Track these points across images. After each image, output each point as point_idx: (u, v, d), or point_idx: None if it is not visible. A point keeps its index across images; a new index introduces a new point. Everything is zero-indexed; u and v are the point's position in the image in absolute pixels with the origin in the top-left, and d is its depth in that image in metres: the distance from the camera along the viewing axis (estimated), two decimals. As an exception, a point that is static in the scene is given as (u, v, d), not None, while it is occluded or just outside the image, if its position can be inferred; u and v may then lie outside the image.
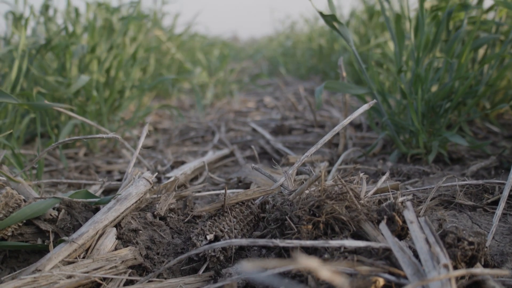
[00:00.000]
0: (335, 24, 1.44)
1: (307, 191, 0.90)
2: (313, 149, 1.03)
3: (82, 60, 1.90)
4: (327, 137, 1.04)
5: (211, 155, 1.64)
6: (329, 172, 1.41)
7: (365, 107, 1.08)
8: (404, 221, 0.81)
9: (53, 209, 1.02)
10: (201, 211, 0.95)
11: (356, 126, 2.08)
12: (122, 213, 0.95)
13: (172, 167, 1.59)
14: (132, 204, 0.98)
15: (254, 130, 2.13)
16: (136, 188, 1.01)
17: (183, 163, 1.61)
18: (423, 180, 1.30)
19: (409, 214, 0.76)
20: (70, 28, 2.04)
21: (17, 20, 1.87)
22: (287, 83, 4.43)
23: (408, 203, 0.77)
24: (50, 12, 2.13)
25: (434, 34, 1.46)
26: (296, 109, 2.64)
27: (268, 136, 1.91)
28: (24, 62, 1.60)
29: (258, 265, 0.50)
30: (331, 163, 1.54)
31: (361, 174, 0.98)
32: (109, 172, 1.64)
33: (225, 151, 1.73)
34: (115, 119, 2.06)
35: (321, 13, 1.41)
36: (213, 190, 1.35)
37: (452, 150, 1.50)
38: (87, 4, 2.18)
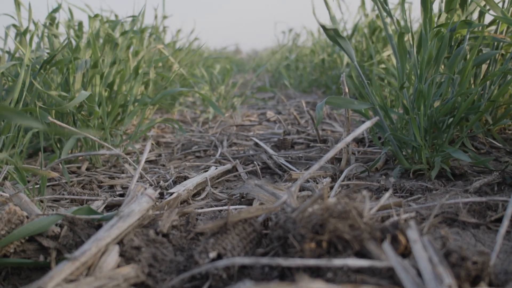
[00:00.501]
0: (338, 38, 1.44)
1: (310, 209, 0.90)
2: (316, 166, 1.03)
3: (85, 75, 1.90)
4: (329, 154, 1.04)
5: (213, 170, 1.64)
6: (331, 188, 1.41)
7: (367, 124, 1.08)
8: (408, 240, 0.80)
9: (56, 225, 1.02)
10: (204, 228, 0.95)
11: (358, 140, 2.08)
12: (125, 230, 0.95)
13: (175, 182, 1.59)
14: (135, 221, 0.98)
15: (256, 144, 2.13)
16: (139, 205, 1.01)
17: (185, 178, 1.61)
18: (426, 197, 1.29)
19: (412, 234, 0.76)
20: (73, 43, 2.05)
21: (22, 35, 1.88)
22: (290, 97, 4.44)
23: (412, 222, 0.77)
24: (54, 27, 2.15)
25: (437, 50, 1.46)
26: (298, 123, 2.65)
27: (270, 151, 1.91)
28: (27, 77, 1.61)
29: (262, 288, 0.50)
30: (334, 179, 1.54)
31: (364, 192, 0.98)
32: (111, 187, 1.64)
33: (228, 166, 1.73)
34: (117, 133, 2.06)
35: (323, 27, 1.42)
36: (216, 206, 1.35)
37: (454, 166, 1.50)
38: (90, 18, 2.19)
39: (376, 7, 1.49)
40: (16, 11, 2.00)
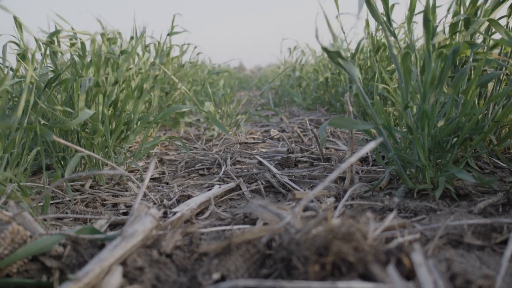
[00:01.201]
0: (340, 61, 1.45)
1: (314, 231, 0.90)
2: (320, 187, 1.03)
3: (89, 93, 1.91)
4: (333, 175, 1.03)
5: (217, 189, 1.64)
6: (335, 208, 1.41)
7: (371, 144, 1.08)
8: (412, 263, 0.80)
9: (59, 245, 1.02)
10: (208, 249, 0.94)
11: (362, 159, 2.08)
12: (128, 250, 0.95)
13: (178, 201, 1.59)
14: (138, 242, 0.98)
15: (260, 162, 2.13)
16: (142, 225, 1.01)
17: (189, 197, 1.61)
18: (430, 217, 1.29)
19: (417, 257, 0.75)
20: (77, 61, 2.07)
21: (23, 54, 1.90)
22: (293, 114, 4.45)
23: (416, 245, 0.77)
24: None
25: (441, 71, 1.47)
26: (302, 141, 2.65)
27: (274, 169, 1.91)
28: (31, 95, 1.62)
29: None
30: (338, 198, 1.53)
31: (368, 213, 0.98)
32: (115, 205, 1.64)
33: (231, 184, 1.73)
34: (121, 150, 2.06)
35: (326, 50, 1.42)
36: (219, 225, 1.35)
37: (459, 186, 1.50)
38: (91, 37, 2.20)
39: (380, 27, 1.50)
40: (18, 31, 2.02)
